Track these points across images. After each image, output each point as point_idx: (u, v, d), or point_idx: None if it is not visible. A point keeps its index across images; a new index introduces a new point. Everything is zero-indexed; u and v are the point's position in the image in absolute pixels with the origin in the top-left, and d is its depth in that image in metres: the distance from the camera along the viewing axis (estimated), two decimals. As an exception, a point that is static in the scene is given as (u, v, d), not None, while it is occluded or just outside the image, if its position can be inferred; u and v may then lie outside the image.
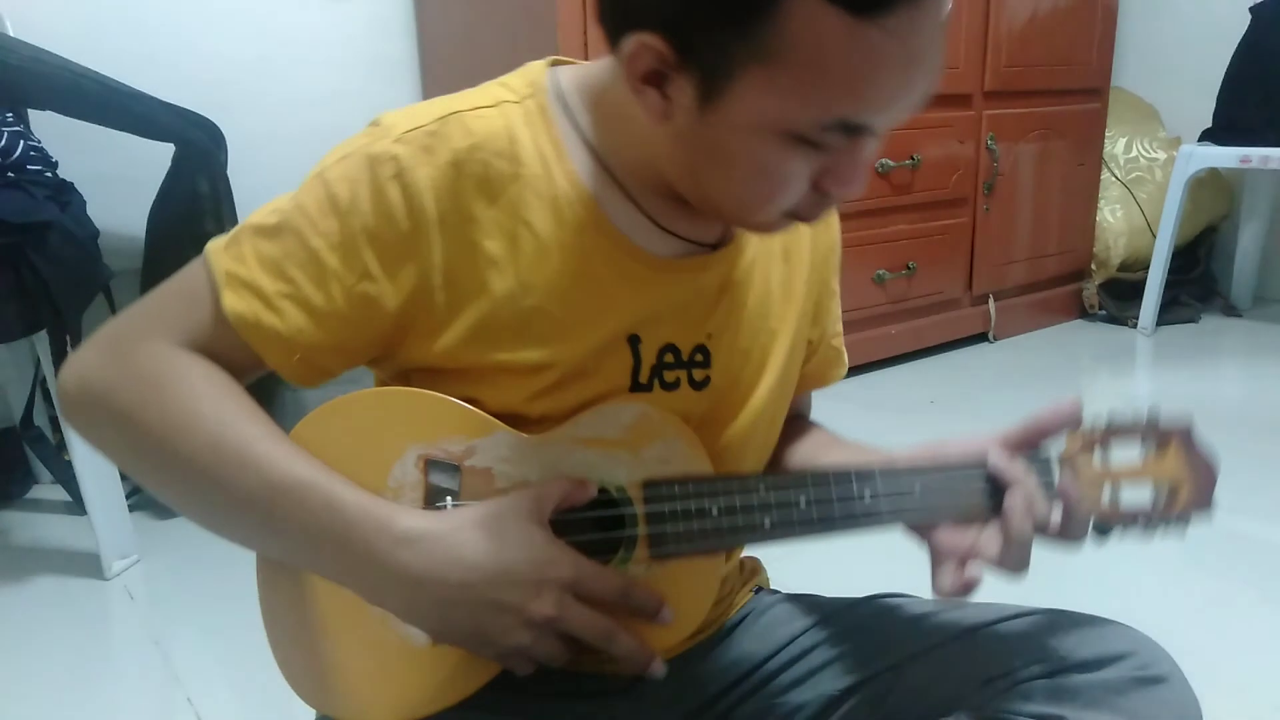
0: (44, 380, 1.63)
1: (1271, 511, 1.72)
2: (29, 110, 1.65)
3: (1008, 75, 2.61)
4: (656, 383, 0.70)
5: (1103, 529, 0.72)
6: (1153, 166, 3.04)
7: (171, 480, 0.65)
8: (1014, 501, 0.67)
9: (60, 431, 1.62)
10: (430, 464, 0.65)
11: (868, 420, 2.21)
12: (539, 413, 0.67)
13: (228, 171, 1.78)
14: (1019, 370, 2.63)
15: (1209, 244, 3.16)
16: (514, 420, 0.67)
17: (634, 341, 0.69)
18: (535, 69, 0.69)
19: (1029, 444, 0.72)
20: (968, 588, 0.67)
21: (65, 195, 1.52)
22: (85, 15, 1.92)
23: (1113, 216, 3.01)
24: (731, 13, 0.53)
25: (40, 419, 1.83)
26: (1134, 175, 3.05)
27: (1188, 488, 0.73)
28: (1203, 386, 2.48)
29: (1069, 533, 0.70)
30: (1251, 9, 2.73)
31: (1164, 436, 0.74)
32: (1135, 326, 2.89)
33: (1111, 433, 0.73)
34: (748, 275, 0.73)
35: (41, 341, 1.50)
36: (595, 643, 0.63)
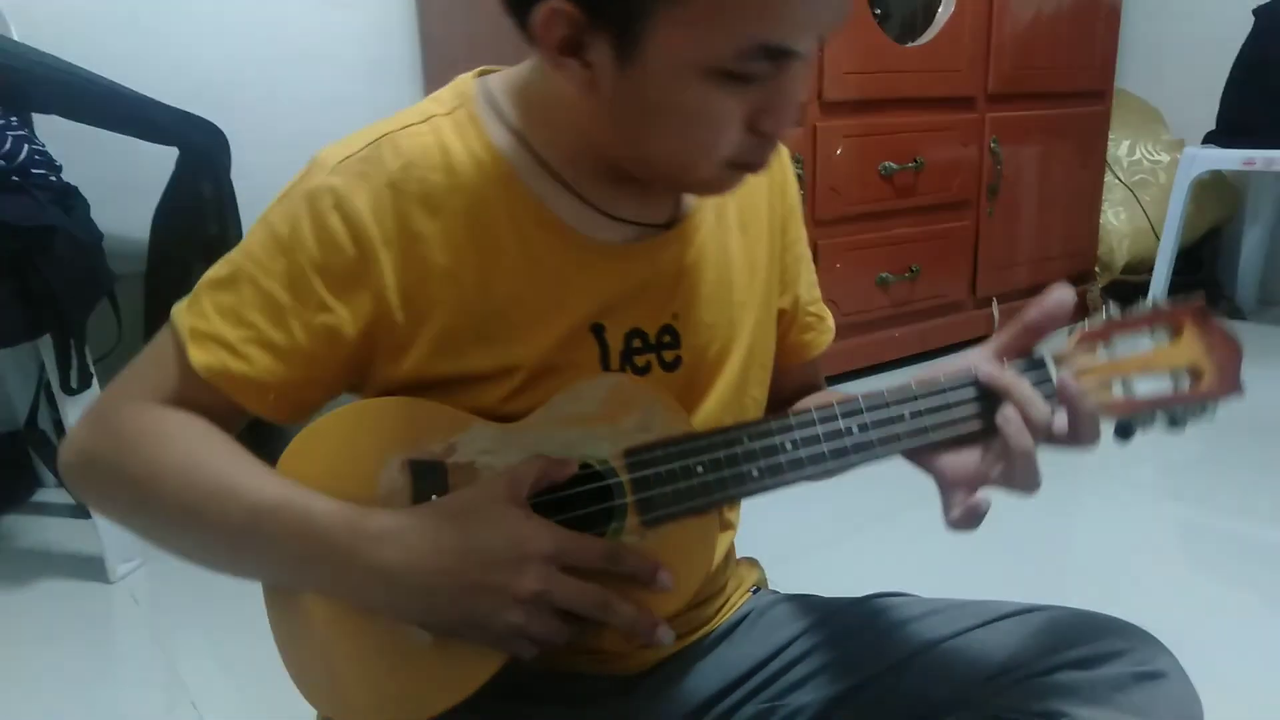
0: (48, 384, 1.63)
1: (1275, 514, 1.71)
2: (33, 114, 1.66)
3: (1011, 78, 2.61)
4: (628, 368, 0.70)
5: (1123, 429, 0.67)
6: (1156, 169, 3.04)
7: (164, 528, 0.68)
8: (1007, 412, 0.64)
9: (64, 435, 1.62)
10: (415, 466, 0.66)
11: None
12: (517, 415, 0.68)
13: (231, 175, 1.79)
14: (1023, 373, 2.63)
15: (1213, 247, 3.16)
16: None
17: (598, 330, 0.69)
18: (464, 80, 0.70)
19: (1021, 349, 0.68)
20: (975, 515, 0.65)
21: (69, 199, 1.52)
22: (89, 19, 1.93)
23: (1116, 219, 3.01)
24: None
25: (45, 423, 1.84)
26: (1137, 178, 3.05)
27: (1210, 370, 0.67)
28: (1207, 389, 2.47)
29: (1079, 434, 0.66)
30: (1255, 11, 2.73)
31: (1175, 321, 0.68)
32: (1139, 329, 2.88)
33: (1115, 326, 0.68)
34: (705, 250, 0.74)
35: (46, 346, 1.50)
36: (591, 613, 0.62)
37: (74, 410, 1.53)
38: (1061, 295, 0.65)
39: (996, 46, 2.56)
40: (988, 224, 2.70)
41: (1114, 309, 0.67)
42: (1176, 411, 0.67)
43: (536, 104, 0.68)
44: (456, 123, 0.67)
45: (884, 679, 0.74)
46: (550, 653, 0.71)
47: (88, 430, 0.69)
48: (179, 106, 1.73)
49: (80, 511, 1.76)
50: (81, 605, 1.50)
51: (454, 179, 0.66)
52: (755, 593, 0.87)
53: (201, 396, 0.66)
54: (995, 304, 2.80)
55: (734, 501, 0.66)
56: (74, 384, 1.51)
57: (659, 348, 0.71)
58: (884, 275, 2.49)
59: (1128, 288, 3.02)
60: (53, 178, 1.50)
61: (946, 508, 0.67)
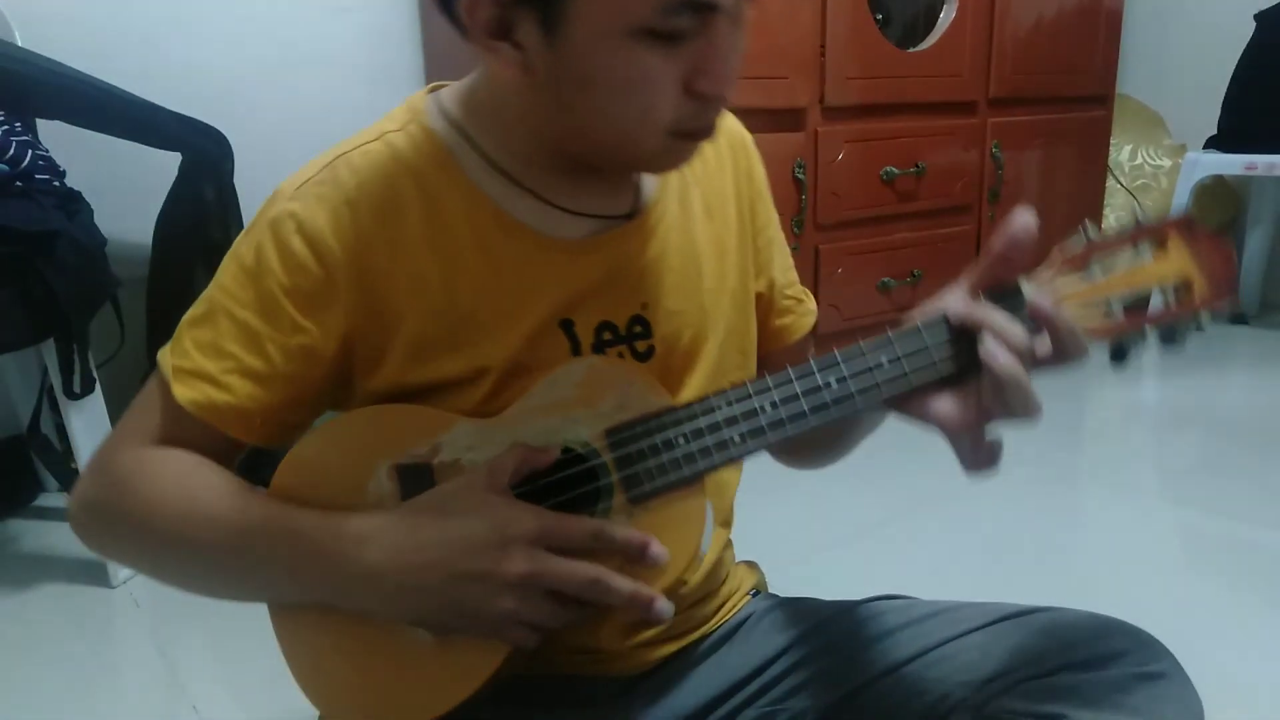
0: (51, 388, 1.64)
1: (1277, 518, 1.71)
2: (37, 119, 1.66)
3: (1012, 83, 2.61)
4: None
5: (1117, 352, 0.66)
6: (1158, 174, 3.04)
7: (168, 563, 0.70)
8: (988, 343, 0.61)
9: (66, 439, 1.63)
10: (402, 471, 0.66)
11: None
12: (498, 414, 0.68)
13: (234, 180, 1.79)
14: (1025, 378, 2.62)
15: (1215, 251, 3.16)
16: None
17: (567, 325, 0.70)
18: (416, 96, 0.72)
19: (995, 281, 0.65)
20: (990, 455, 0.63)
21: (73, 204, 1.53)
22: (93, 25, 1.94)
23: (1118, 224, 3.01)
24: None
25: (47, 427, 1.84)
26: (1139, 183, 3.05)
27: (1200, 279, 0.64)
28: (1210, 394, 2.47)
29: (1064, 352, 0.62)
30: (1256, 16, 2.73)
31: (1159, 235, 0.65)
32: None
33: (1095, 248, 0.65)
34: (670, 238, 0.74)
35: (49, 350, 1.50)
36: (585, 592, 0.61)
37: (76, 415, 1.53)
38: (1025, 218, 0.62)
39: (998, 51, 2.56)
40: (990, 229, 2.70)
41: (1093, 230, 0.65)
42: (1169, 327, 0.64)
43: (486, 110, 0.69)
44: (410, 136, 0.69)
45: (884, 682, 0.74)
46: (548, 654, 0.71)
47: (88, 481, 0.71)
48: (182, 112, 1.74)
49: (82, 516, 1.76)
50: (83, 609, 1.50)
51: (410, 191, 0.67)
52: (754, 596, 0.87)
53: (192, 432, 0.68)
54: (997, 309, 2.79)
55: (720, 469, 0.64)
56: (77, 388, 1.51)
57: (630, 338, 0.72)
58: (886, 280, 2.49)
59: (1130, 292, 3.02)
60: (56, 183, 1.51)
61: (960, 457, 0.65)
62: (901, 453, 2.07)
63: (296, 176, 0.68)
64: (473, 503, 0.62)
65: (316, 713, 0.75)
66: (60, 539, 1.76)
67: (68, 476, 1.77)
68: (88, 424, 1.55)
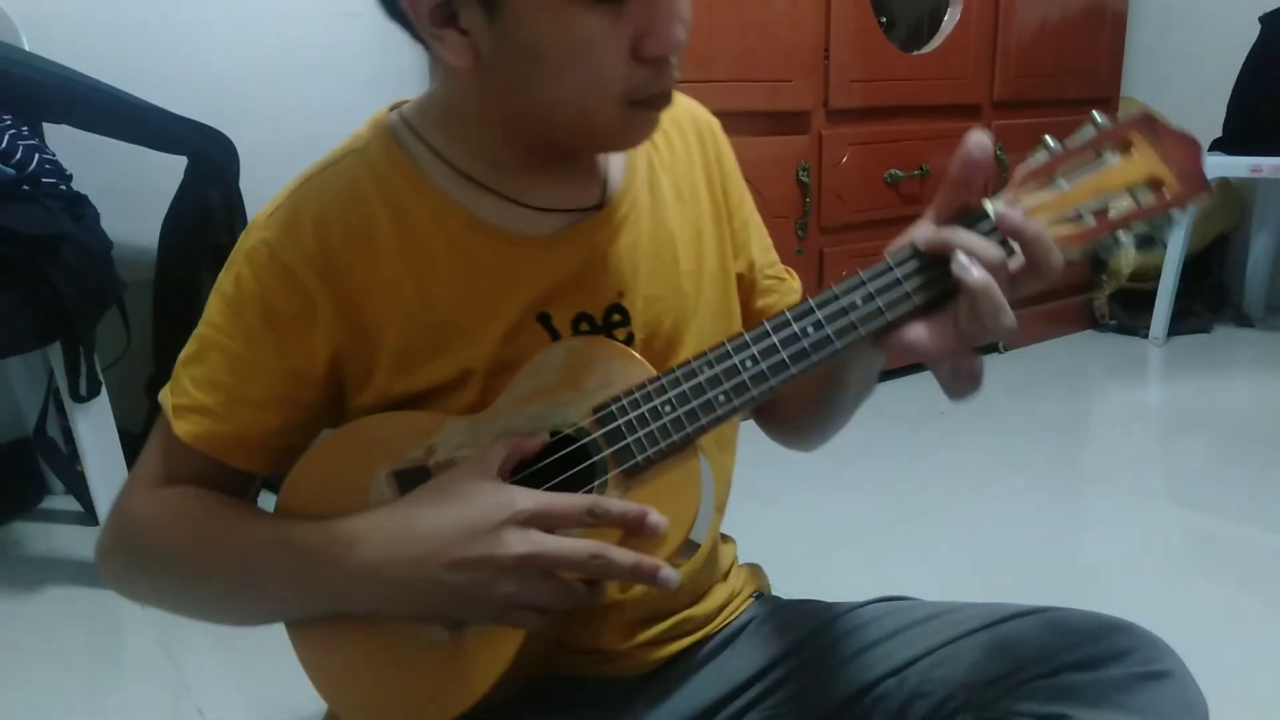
0: (57, 391, 1.64)
1: (1284, 521, 1.71)
2: (44, 123, 1.67)
3: (1016, 85, 2.61)
4: None
5: (1094, 259, 0.64)
6: (1163, 176, 3.04)
7: (186, 596, 0.73)
8: (957, 260, 0.59)
9: (72, 442, 1.63)
10: (400, 476, 0.67)
11: (878, 431, 2.21)
12: None
13: (239, 183, 1.80)
14: (1029, 381, 2.62)
15: (1220, 254, 3.15)
16: None
17: (545, 320, 0.70)
18: (379, 114, 0.73)
19: (959, 207, 0.63)
20: (970, 376, 0.63)
21: (79, 208, 1.53)
22: (100, 30, 1.94)
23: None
24: None
25: (53, 430, 1.85)
26: (1144, 185, 3.04)
27: (1170, 176, 0.62)
28: (1215, 397, 2.47)
29: (1037, 262, 0.60)
30: (1261, 18, 2.73)
31: (1121, 137, 0.63)
32: (1147, 337, 2.87)
33: (1059, 159, 0.63)
34: (641, 225, 0.75)
35: (55, 353, 1.51)
36: (587, 566, 0.61)
37: (82, 417, 1.53)
38: (978, 137, 0.60)
39: (1002, 54, 2.56)
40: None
41: (1054, 143, 0.63)
42: (1143, 227, 0.62)
43: (446, 118, 0.71)
44: (374, 153, 0.70)
45: (887, 682, 0.74)
46: (550, 654, 0.71)
47: (107, 530, 0.73)
48: (188, 116, 1.74)
49: (88, 519, 1.77)
50: (89, 611, 1.51)
51: (379, 206, 0.68)
52: (757, 599, 0.87)
53: (198, 467, 0.70)
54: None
55: (709, 430, 0.64)
56: (83, 391, 1.52)
57: (609, 327, 0.72)
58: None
59: (1134, 295, 3.01)
60: (63, 186, 1.51)
61: (942, 383, 0.64)
62: (906, 456, 2.08)
63: (268, 206, 0.70)
64: (464, 491, 0.62)
65: (322, 715, 0.76)
66: (66, 541, 1.76)
67: (74, 479, 1.78)
68: (94, 427, 1.55)
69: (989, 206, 0.61)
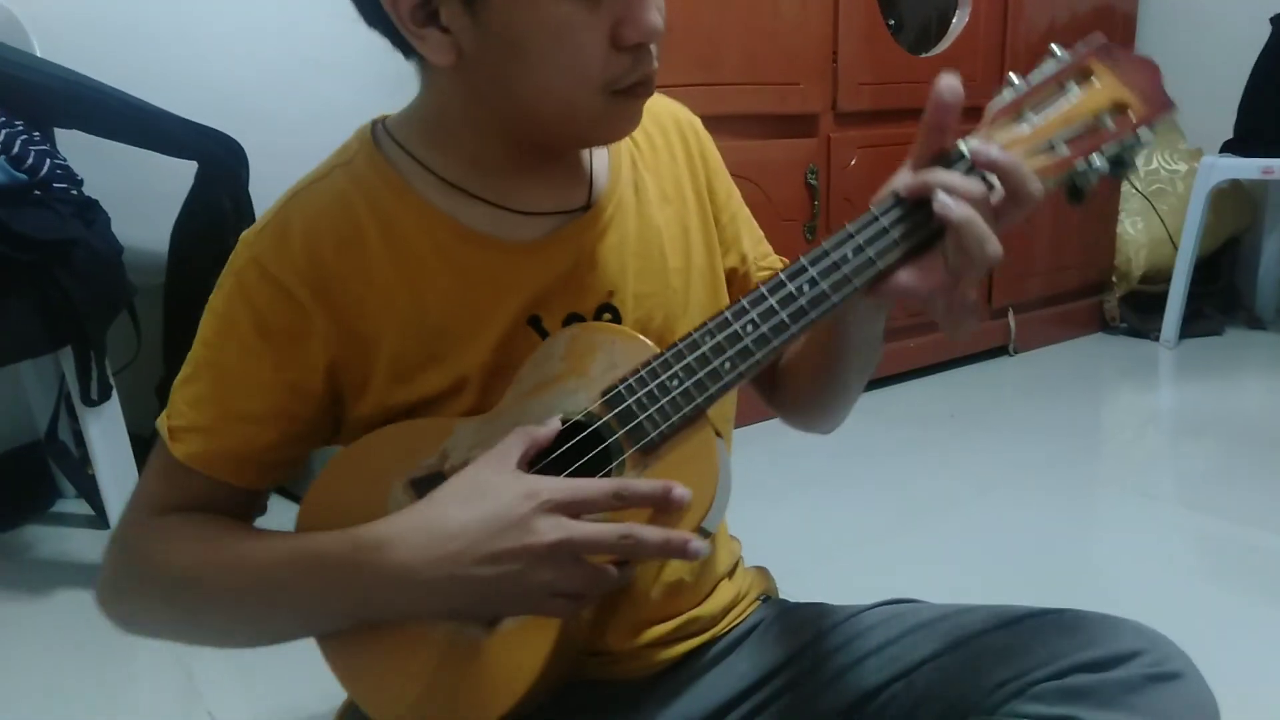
0: (68, 395, 1.65)
1: (1295, 524, 1.70)
2: (55, 128, 1.68)
3: (1026, 88, 2.61)
4: None
5: (1071, 190, 0.64)
6: (1174, 178, 3.03)
7: (202, 620, 0.71)
8: (938, 198, 0.60)
9: (84, 446, 1.64)
10: (417, 484, 0.67)
11: (887, 434, 2.21)
12: None
13: (249, 188, 1.80)
14: (1039, 384, 2.62)
15: (1232, 256, 3.14)
16: None
17: (535, 322, 0.71)
18: (362, 128, 0.74)
19: (935, 151, 0.64)
20: (963, 308, 0.64)
21: (90, 213, 1.54)
22: (111, 35, 1.95)
23: (1133, 228, 3.00)
24: None
25: (64, 434, 1.85)
26: (1155, 187, 3.03)
27: (1133, 99, 0.64)
28: (1227, 400, 2.46)
29: (1016, 192, 0.61)
30: (1272, 19, 2.72)
31: (1082, 68, 0.65)
32: (1158, 339, 2.86)
33: (1025, 97, 0.64)
34: (628, 225, 0.75)
35: (66, 357, 1.52)
36: (618, 547, 0.61)
37: (94, 421, 1.54)
38: (949, 80, 0.61)
39: (1011, 56, 2.56)
40: (1003, 234, 2.69)
41: (1018, 80, 0.65)
42: (1114, 151, 0.63)
43: (429, 127, 0.72)
44: (359, 166, 0.71)
45: (894, 686, 0.74)
46: (579, 657, 0.71)
47: (109, 561, 0.72)
48: (197, 121, 1.75)
49: (99, 522, 1.77)
50: (99, 615, 1.51)
51: (366, 218, 0.69)
52: (765, 601, 0.87)
53: (198, 488, 0.70)
54: (1011, 314, 2.79)
55: (719, 399, 0.65)
56: (94, 395, 1.53)
57: None
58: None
59: (1145, 298, 3.00)
60: (74, 191, 1.52)
61: (938, 320, 0.65)
62: (915, 458, 2.08)
63: (255, 225, 0.71)
64: (490, 485, 0.62)
65: (331, 718, 0.76)
66: (77, 544, 1.77)
67: (85, 483, 1.78)
68: (105, 430, 1.56)
69: (963, 146, 0.63)
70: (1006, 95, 0.64)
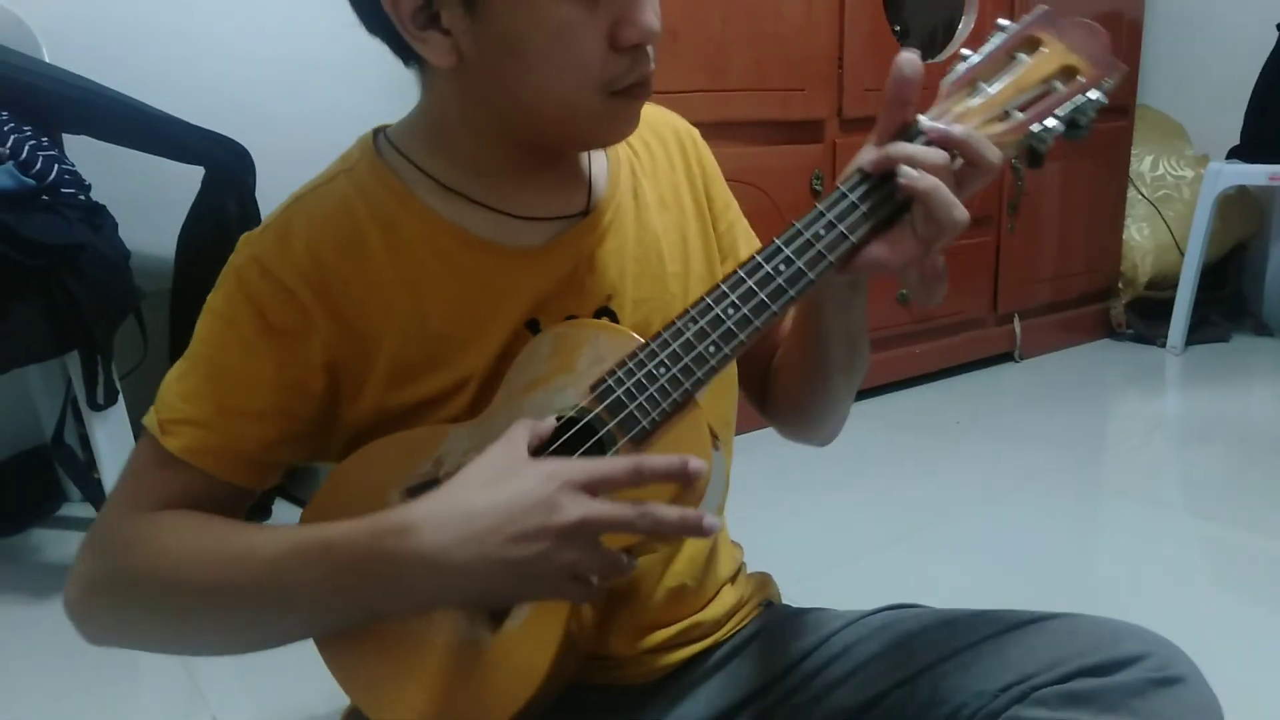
0: (75, 399, 1.66)
1: (1303, 531, 1.69)
2: (63, 134, 1.68)
3: (1031, 94, 2.61)
4: None
5: (1029, 155, 0.66)
6: (1180, 184, 3.02)
7: (193, 622, 0.67)
8: (901, 171, 0.62)
9: (90, 450, 1.64)
10: (413, 492, 0.67)
11: (892, 440, 2.20)
12: None
13: (256, 193, 1.81)
14: (1045, 390, 2.61)
15: (1238, 262, 3.13)
16: None
17: (534, 326, 0.71)
18: (364, 136, 0.75)
19: (897, 126, 0.65)
20: (938, 276, 0.65)
21: (97, 218, 1.55)
22: (118, 41, 1.96)
23: (1140, 235, 2.99)
24: None
25: (71, 437, 1.86)
26: (1161, 193, 3.03)
27: (1081, 63, 0.66)
28: (1234, 407, 2.45)
29: (976, 159, 0.63)
30: (1279, 25, 2.71)
31: (1029, 37, 0.67)
32: (1164, 346, 2.86)
33: (977, 70, 0.67)
34: (627, 229, 0.76)
35: (73, 361, 1.52)
36: (637, 524, 0.60)
37: (100, 425, 1.55)
38: (908, 56, 0.64)
39: (1017, 63, 2.55)
40: (1009, 240, 2.69)
41: (969, 53, 0.67)
42: (1066, 113, 0.66)
43: (430, 133, 0.72)
44: (362, 173, 0.72)
45: (899, 691, 0.74)
46: (581, 662, 0.71)
47: (87, 563, 0.69)
48: (205, 126, 1.76)
49: (105, 526, 1.78)
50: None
51: (368, 223, 0.70)
52: (767, 607, 0.87)
53: (185, 485, 0.68)
54: (1017, 320, 2.78)
55: (706, 383, 0.65)
56: (100, 400, 1.53)
57: None
58: (904, 292, 2.48)
59: (1152, 304, 3.00)
60: (81, 196, 1.53)
61: (911, 290, 0.67)
62: (919, 465, 2.07)
63: (258, 226, 0.71)
64: (510, 468, 0.61)
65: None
66: (83, 549, 1.78)
67: (91, 487, 1.79)
68: (111, 435, 1.56)
69: (923, 121, 0.65)
70: (960, 69, 0.67)
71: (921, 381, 2.61)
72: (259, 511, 1.60)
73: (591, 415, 0.66)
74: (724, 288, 0.66)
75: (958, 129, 0.63)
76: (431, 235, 0.70)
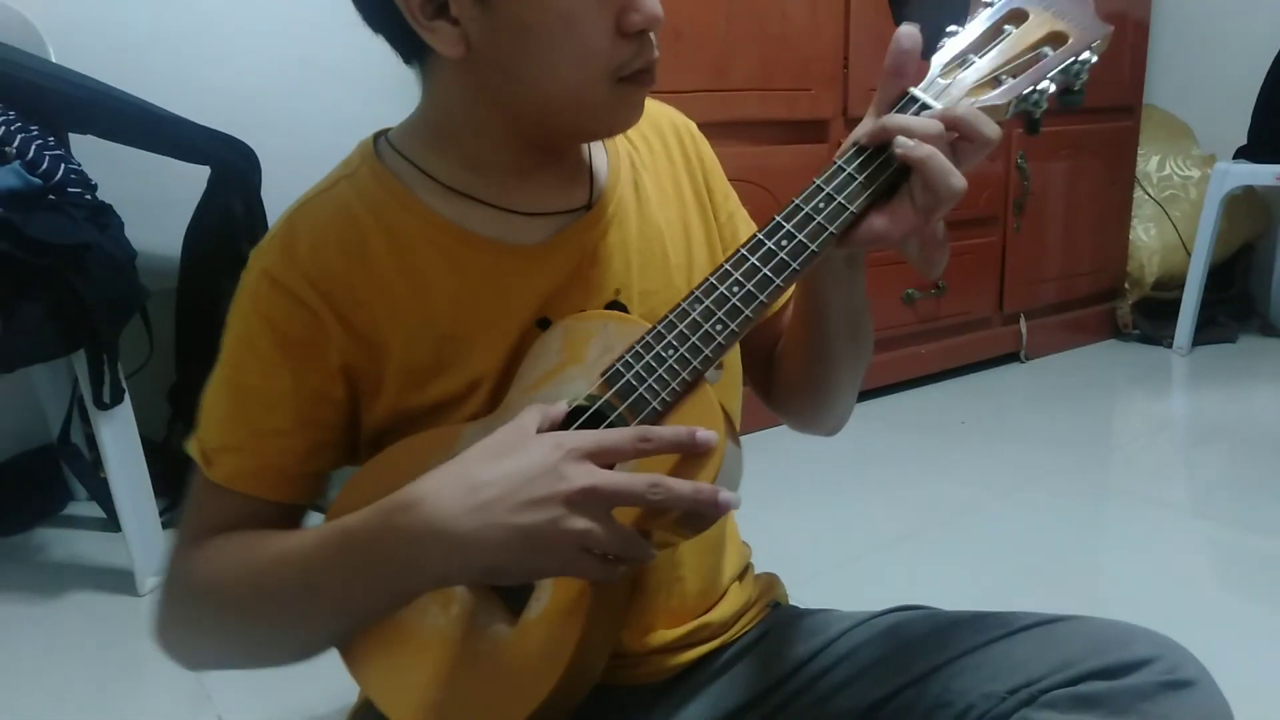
0: (81, 399, 1.66)
1: (1311, 532, 1.69)
2: (69, 134, 1.69)
3: (1037, 94, 2.60)
4: None
5: (1026, 122, 0.68)
6: (1187, 184, 3.02)
7: (254, 632, 0.70)
8: (897, 142, 0.63)
9: (96, 449, 1.64)
10: None
11: (897, 441, 2.20)
12: None
13: (262, 193, 1.81)
14: (1051, 390, 2.61)
15: (1246, 262, 3.12)
16: None
17: (544, 325, 0.71)
18: (364, 141, 0.75)
19: (893, 94, 0.67)
20: (939, 245, 0.66)
21: (104, 217, 1.55)
22: (124, 41, 1.96)
23: (1146, 235, 2.99)
24: None
25: (77, 437, 1.86)
26: (1168, 193, 3.02)
27: (1068, 28, 0.68)
28: (1240, 408, 2.44)
29: (974, 134, 0.63)
30: (1286, 25, 2.71)
31: (1015, 13, 0.69)
32: (1170, 346, 2.85)
33: (971, 49, 0.68)
34: (630, 222, 0.76)
35: (79, 361, 1.52)
36: (647, 496, 0.59)
37: (106, 425, 1.55)
38: (907, 28, 0.65)
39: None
40: (1015, 240, 2.69)
41: (957, 29, 0.69)
42: (1058, 76, 0.67)
43: (432, 133, 0.73)
44: (363, 177, 0.72)
45: (906, 693, 0.73)
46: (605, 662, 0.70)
47: (159, 601, 0.73)
48: (210, 126, 1.76)
49: (110, 525, 1.78)
50: (110, 617, 1.52)
51: (371, 227, 0.70)
52: (775, 608, 0.87)
53: (238, 510, 0.71)
54: (1023, 320, 2.78)
55: (715, 363, 0.65)
56: (106, 399, 1.53)
57: None
58: (910, 291, 2.48)
59: (1158, 304, 2.99)
60: (88, 196, 1.53)
61: (913, 262, 0.67)
62: (925, 465, 2.07)
63: (262, 241, 0.72)
64: (517, 441, 0.61)
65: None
66: (88, 547, 1.78)
67: (97, 486, 1.79)
68: (117, 434, 1.57)
69: (917, 93, 0.67)
70: (949, 45, 0.68)
71: (927, 382, 2.61)
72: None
73: (601, 401, 0.66)
74: (727, 266, 0.66)
75: (955, 109, 0.64)
76: (434, 236, 0.70)
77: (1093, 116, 2.78)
